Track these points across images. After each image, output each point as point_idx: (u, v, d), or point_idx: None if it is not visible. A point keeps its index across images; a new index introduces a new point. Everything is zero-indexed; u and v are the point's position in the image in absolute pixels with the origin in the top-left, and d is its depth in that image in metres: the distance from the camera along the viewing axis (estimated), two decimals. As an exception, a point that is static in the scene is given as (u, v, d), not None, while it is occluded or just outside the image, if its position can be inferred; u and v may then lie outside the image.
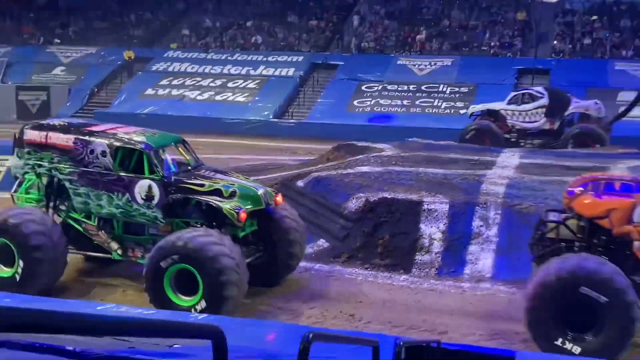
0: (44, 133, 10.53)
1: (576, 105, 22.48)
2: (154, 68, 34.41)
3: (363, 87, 30.78)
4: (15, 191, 10.89)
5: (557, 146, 20.68)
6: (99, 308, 7.17)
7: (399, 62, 32.75)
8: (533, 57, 31.64)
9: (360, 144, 19.18)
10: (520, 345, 8.13)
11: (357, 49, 35.06)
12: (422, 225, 11.63)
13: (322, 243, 12.17)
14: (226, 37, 37.75)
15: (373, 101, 29.86)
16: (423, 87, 30.24)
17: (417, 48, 34.47)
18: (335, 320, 9.06)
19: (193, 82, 32.52)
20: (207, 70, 33.64)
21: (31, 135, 10.61)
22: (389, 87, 30.49)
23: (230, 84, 32.31)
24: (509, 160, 15.88)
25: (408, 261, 11.15)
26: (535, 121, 22.32)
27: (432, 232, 11.53)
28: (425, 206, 11.89)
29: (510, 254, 11.01)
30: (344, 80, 31.64)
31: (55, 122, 11.88)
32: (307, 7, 39.37)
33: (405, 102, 29.43)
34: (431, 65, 31.96)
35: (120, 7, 41.42)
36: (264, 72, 33.15)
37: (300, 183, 14.30)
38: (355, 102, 29.81)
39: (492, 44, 33.88)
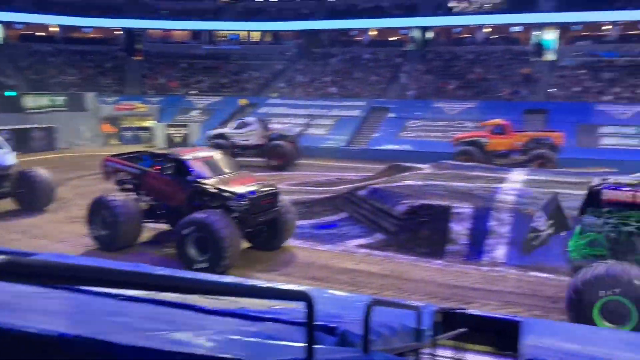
0: (629, 193, 7.88)
1: (273, 129, 24.60)
2: (260, 111, 35.00)
3: (408, 123, 30.54)
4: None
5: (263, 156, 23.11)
6: (220, 279, 7.29)
7: (434, 105, 32.37)
8: (535, 101, 30.92)
9: (405, 164, 19.02)
10: (525, 313, 7.88)
11: (403, 97, 34.86)
12: (451, 224, 11.43)
13: (379, 236, 12.11)
14: (311, 88, 38.10)
15: (415, 134, 29.60)
16: (452, 124, 29.83)
17: (448, 95, 34.00)
18: (388, 292, 8.97)
19: (288, 120, 32.90)
20: (297, 112, 34.03)
21: (613, 195, 7.93)
22: (427, 123, 30.20)
23: (313, 122, 32.60)
24: (517, 177, 15.46)
25: (441, 250, 10.98)
26: (248, 140, 23.55)
27: (459, 229, 11.31)
28: (454, 210, 11.69)
29: (518, 245, 10.75)
30: (394, 119, 31.46)
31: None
32: (368, 67, 39.40)
33: (438, 134, 29.07)
34: (459, 107, 31.48)
35: (237, 67, 42.38)
36: (337, 113, 33.28)
37: (362, 192, 14.30)
38: (402, 134, 29.58)
39: (504, 91, 33.10)
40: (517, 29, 39.80)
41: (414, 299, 8.30)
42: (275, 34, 46.33)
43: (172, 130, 30.28)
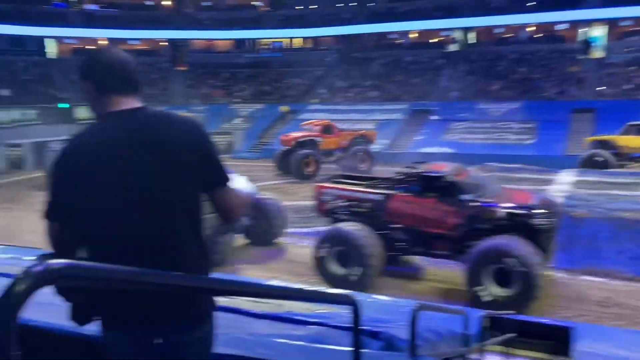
0: None
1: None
2: (300, 117, 35.24)
3: (451, 125, 30.16)
4: None
5: None
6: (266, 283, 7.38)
7: (478, 106, 31.85)
8: (583, 99, 30.01)
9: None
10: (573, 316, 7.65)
11: (446, 99, 34.44)
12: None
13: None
14: (351, 93, 38.10)
15: (459, 136, 29.18)
16: (497, 125, 29.30)
17: (492, 96, 33.40)
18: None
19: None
20: (338, 117, 34.06)
21: None
22: (471, 125, 29.75)
23: (353, 126, 32.61)
24: (566, 178, 15.05)
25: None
26: None
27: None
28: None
29: (568, 249, 10.44)
30: (437, 121, 31.11)
31: None
32: (409, 69, 39.12)
33: (483, 135, 28.59)
34: (503, 108, 30.88)
35: (278, 75, 42.81)
36: (378, 117, 33.16)
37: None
38: (446, 136, 29.21)
39: (551, 91, 32.26)
40: (562, 26, 38.76)
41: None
42: (316, 40, 46.58)
43: (217, 138, 30.74)
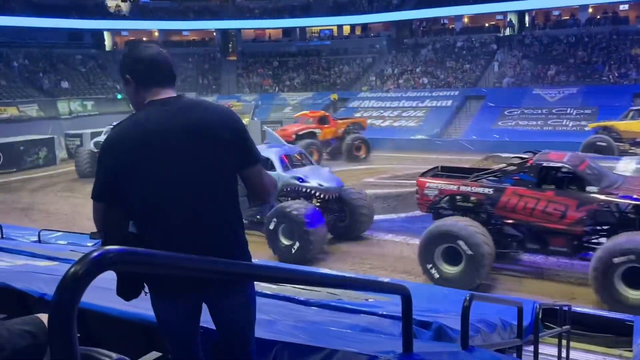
0: None
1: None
2: (351, 105, 35.16)
3: (505, 112, 29.36)
4: None
5: None
6: (311, 270, 7.42)
7: (534, 92, 30.86)
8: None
9: (504, 155, 18.31)
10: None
11: (499, 84, 33.52)
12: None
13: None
14: (402, 80, 37.65)
15: (514, 122, 28.40)
16: (554, 111, 28.33)
17: (548, 81, 32.28)
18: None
19: (378, 113, 32.86)
20: (388, 105, 33.82)
21: None
22: (526, 111, 28.89)
23: (404, 114, 32.26)
24: (628, 166, 14.45)
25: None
26: None
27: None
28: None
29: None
30: (491, 107, 30.36)
31: None
32: (461, 54, 38.27)
33: (539, 122, 27.74)
34: (560, 94, 29.80)
35: (327, 62, 42.74)
36: (429, 104, 32.67)
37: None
38: (500, 123, 28.49)
39: (611, 75, 30.88)
40: (624, 7, 36.97)
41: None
42: (365, 27, 46.17)
43: (268, 126, 31.01)
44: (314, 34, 48.28)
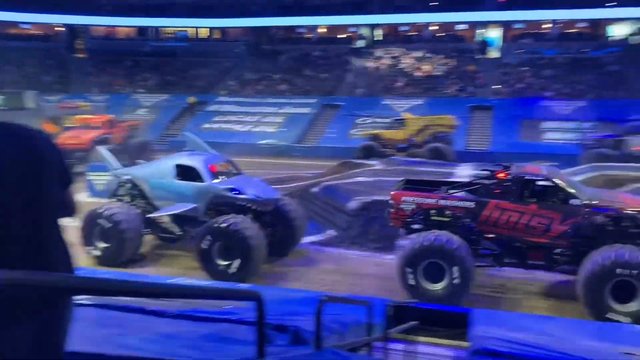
0: None
1: None
2: (209, 109, 34.60)
3: (358, 121, 30.74)
4: None
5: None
6: (170, 281, 7.16)
7: (383, 102, 32.75)
8: (480, 97, 31.79)
9: (357, 161, 19.18)
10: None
11: (353, 94, 35.11)
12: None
13: (331, 232, 12.18)
14: (261, 85, 37.86)
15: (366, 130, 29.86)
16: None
17: (397, 92, 34.47)
18: (340, 286, 9.03)
19: (237, 118, 32.75)
20: (246, 110, 33.81)
21: None
22: (377, 120, 30.49)
23: (263, 119, 32.49)
24: (463, 172, 15.83)
25: (392, 245, 11.10)
26: None
27: (410, 223, 11.43)
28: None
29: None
30: (345, 116, 31.64)
31: None
32: (318, 64, 39.45)
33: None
34: (407, 104, 31.90)
35: (184, 65, 41.61)
36: (287, 111, 33.27)
37: (314, 189, 14.33)
38: (353, 131, 29.77)
39: (451, 88, 33.89)
40: (461, 27, 40.79)
41: (367, 294, 8.38)
42: (224, 30, 45.77)
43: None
44: (168, 35, 46.77)
